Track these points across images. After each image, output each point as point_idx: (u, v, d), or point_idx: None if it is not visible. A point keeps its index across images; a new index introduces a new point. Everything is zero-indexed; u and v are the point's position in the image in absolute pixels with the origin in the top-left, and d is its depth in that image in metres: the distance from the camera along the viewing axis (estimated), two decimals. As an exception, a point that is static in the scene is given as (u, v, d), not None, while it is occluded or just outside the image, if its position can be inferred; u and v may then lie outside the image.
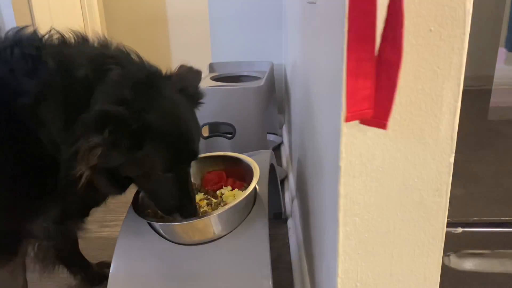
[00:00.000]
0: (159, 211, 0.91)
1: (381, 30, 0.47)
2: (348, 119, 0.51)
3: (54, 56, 0.79)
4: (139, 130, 0.75)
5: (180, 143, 0.83)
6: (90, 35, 0.87)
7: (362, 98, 0.49)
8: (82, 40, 0.86)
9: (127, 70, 0.81)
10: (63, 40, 0.84)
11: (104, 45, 0.87)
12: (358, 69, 0.48)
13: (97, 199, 0.96)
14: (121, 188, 0.87)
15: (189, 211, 0.86)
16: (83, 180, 0.79)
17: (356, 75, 0.48)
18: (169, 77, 0.88)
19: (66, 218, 0.93)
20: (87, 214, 1.00)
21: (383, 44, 0.48)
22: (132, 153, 0.77)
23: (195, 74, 0.95)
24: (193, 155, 0.87)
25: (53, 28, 0.85)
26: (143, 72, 0.83)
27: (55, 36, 0.85)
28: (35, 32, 0.84)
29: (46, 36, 0.84)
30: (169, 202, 0.86)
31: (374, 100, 0.50)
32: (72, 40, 0.85)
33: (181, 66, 0.94)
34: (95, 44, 0.87)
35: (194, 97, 0.91)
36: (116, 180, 0.83)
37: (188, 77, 0.92)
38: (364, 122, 0.52)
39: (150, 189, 0.86)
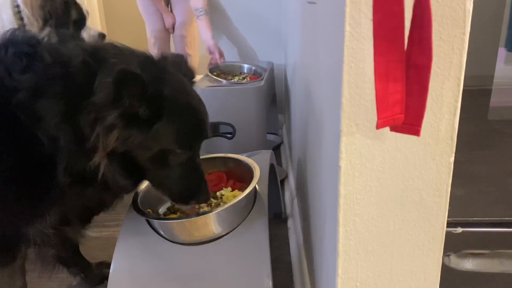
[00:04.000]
0: (170, 205, 0.93)
1: (408, 32, 0.45)
2: (379, 125, 0.48)
3: (50, 50, 0.80)
4: (156, 96, 0.76)
5: (193, 117, 0.84)
6: (86, 37, 0.89)
7: (394, 102, 0.47)
8: (79, 39, 0.88)
9: (128, 54, 0.82)
10: (61, 39, 0.86)
11: (98, 42, 0.90)
12: (387, 73, 0.46)
13: (102, 204, 0.94)
14: (134, 181, 0.86)
15: (205, 196, 0.86)
16: (101, 170, 0.78)
17: (385, 79, 0.46)
18: (165, 58, 0.89)
19: (65, 224, 0.92)
20: (88, 221, 0.99)
21: (410, 47, 0.46)
22: (151, 126, 0.77)
23: (180, 57, 0.96)
24: (205, 132, 0.87)
25: (51, 32, 0.86)
26: (142, 55, 0.85)
27: (54, 38, 0.87)
28: (32, 33, 0.85)
29: (45, 38, 0.86)
30: (185, 186, 0.85)
31: (405, 105, 0.48)
32: (70, 39, 0.86)
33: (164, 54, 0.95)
34: (90, 41, 0.89)
35: (188, 76, 0.92)
36: (129, 172, 0.82)
37: (176, 59, 0.93)
38: (395, 129, 0.50)
39: (166, 174, 0.84)
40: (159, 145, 0.80)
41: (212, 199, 0.97)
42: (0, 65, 0.78)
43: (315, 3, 0.81)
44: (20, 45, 0.80)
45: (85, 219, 0.98)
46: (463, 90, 0.52)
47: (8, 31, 0.84)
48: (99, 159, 0.77)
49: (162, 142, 0.80)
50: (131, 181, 0.84)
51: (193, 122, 0.84)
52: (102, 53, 0.80)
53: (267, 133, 1.98)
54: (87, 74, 0.76)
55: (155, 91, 0.75)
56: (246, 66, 2.07)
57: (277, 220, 1.48)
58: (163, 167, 0.83)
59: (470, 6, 0.49)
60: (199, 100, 0.88)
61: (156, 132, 0.78)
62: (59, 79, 0.77)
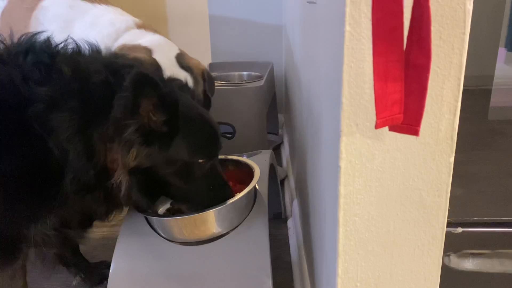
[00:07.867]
0: (170, 206, 0.96)
1: (407, 32, 0.45)
2: (378, 125, 0.48)
3: (69, 63, 0.81)
4: (172, 105, 0.78)
5: (208, 127, 0.87)
6: (103, 48, 0.91)
7: (392, 102, 0.47)
8: (96, 51, 0.89)
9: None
10: (78, 49, 0.87)
11: (115, 56, 0.91)
12: (386, 73, 0.46)
13: (101, 213, 0.94)
14: (150, 199, 0.87)
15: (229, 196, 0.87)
16: (123, 187, 0.80)
17: (384, 79, 0.46)
18: (174, 79, 0.92)
19: (67, 226, 0.92)
20: (90, 225, 1.00)
21: (409, 47, 0.46)
22: (170, 141, 0.79)
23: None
24: (220, 140, 0.90)
25: (70, 37, 0.87)
26: (157, 76, 0.86)
27: (70, 46, 0.87)
28: (49, 39, 0.86)
29: (62, 45, 0.86)
30: (211, 195, 0.87)
31: (404, 104, 0.47)
32: (87, 51, 0.88)
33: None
34: (108, 55, 0.90)
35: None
36: (148, 190, 0.84)
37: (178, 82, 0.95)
38: (394, 128, 0.50)
39: (190, 187, 0.86)
40: (182, 159, 0.82)
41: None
42: (18, 71, 0.78)
43: (315, 3, 0.81)
44: (39, 54, 0.81)
45: (86, 223, 0.99)
46: (463, 90, 0.52)
47: (28, 34, 0.85)
48: (121, 177, 0.79)
49: (185, 155, 0.82)
50: (147, 199, 0.85)
51: (210, 132, 0.87)
52: (123, 71, 0.81)
53: (267, 133, 1.98)
54: (106, 93, 0.78)
55: (172, 99, 0.78)
56: (245, 73, 2.07)
57: (277, 220, 1.48)
58: (188, 180, 0.85)
59: (470, 6, 0.49)
60: (207, 112, 0.91)
61: (176, 146, 0.80)
62: (76, 94, 0.78)
